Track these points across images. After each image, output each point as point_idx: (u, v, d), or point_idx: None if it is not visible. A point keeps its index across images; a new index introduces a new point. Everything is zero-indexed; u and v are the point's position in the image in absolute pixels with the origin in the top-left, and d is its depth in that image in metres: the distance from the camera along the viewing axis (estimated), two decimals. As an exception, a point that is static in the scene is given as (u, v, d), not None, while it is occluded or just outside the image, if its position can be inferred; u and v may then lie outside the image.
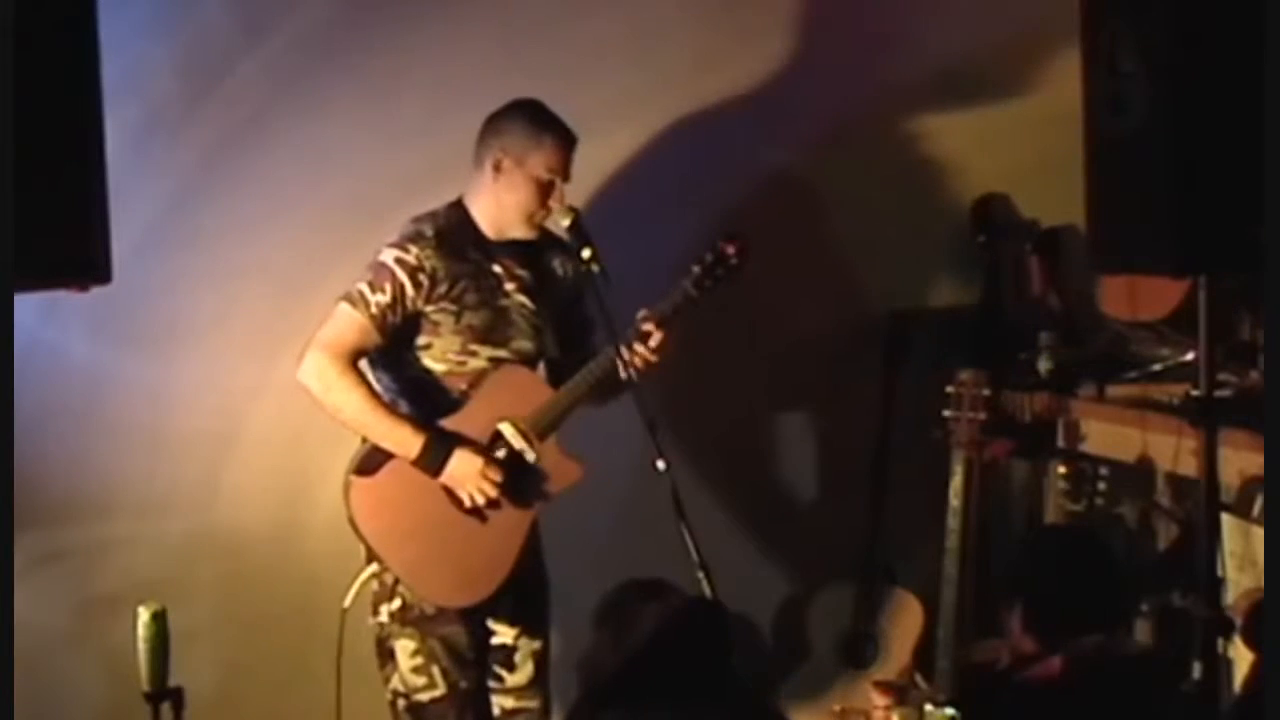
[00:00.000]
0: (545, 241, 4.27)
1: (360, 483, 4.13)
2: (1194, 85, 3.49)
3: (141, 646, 3.38)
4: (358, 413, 4.10)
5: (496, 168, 4.16)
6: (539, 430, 4.16)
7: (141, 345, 4.62)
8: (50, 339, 4.47)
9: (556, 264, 4.31)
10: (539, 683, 4.36)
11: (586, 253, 4.12)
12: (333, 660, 4.14)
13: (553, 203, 4.17)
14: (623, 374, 4.07)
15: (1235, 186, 3.46)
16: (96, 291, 3.29)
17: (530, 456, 4.16)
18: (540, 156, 4.14)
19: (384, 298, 4.09)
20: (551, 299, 4.29)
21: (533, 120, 4.17)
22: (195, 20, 4.57)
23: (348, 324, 4.10)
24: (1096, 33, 3.73)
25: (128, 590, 4.23)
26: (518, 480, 4.16)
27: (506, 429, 4.16)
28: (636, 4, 4.88)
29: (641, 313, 4.16)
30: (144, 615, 3.39)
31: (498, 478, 4.11)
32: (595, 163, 4.76)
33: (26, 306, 3.74)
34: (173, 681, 3.40)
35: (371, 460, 4.14)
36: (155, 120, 4.51)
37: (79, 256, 3.22)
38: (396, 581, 4.17)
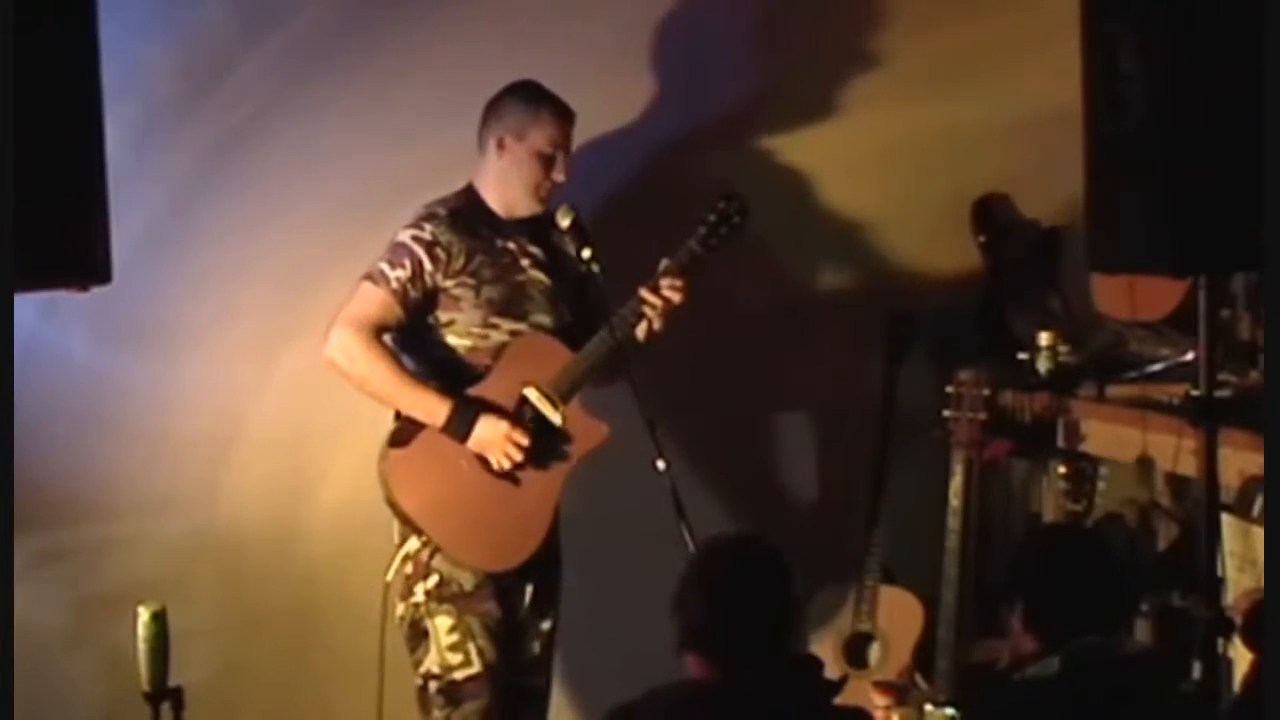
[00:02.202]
0: (553, 220, 4.33)
1: (395, 454, 4.19)
2: (1194, 86, 3.50)
3: (141, 646, 3.38)
4: (383, 383, 4.18)
5: (500, 146, 4.29)
6: (562, 393, 4.23)
7: (142, 345, 4.62)
8: (50, 339, 4.47)
9: (567, 241, 4.35)
10: (544, 661, 4.41)
11: (586, 253, 4.23)
12: (333, 659, 4.15)
13: (556, 174, 4.28)
14: (640, 333, 4.23)
15: (1235, 186, 3.46)
16: (96, 291, 3.28)
17: (556, 419, 4.22)
18: (539, 131, 4.27)
19: (404, 273, 4.20)
20: (564, 275, 4.36)
21: (529, 98, 4.29)
22: (195, 20, 4.57)
23: (370, 299, 4.20)
24: (1096, 33, 3.73)
25: (128, 590, 4.23)
26: (546, 444, 4.22)
27: (531, 393, 4.22)
28: (635, 5, 4.88)
29: (663, 264, 4.26)
30: (144, 615, 3.39)
31: (524, 440, 4.17)
32: (594, 160, 4.76)
33: (26, 306, 3.74)
34: (173, 681, 3.40)
35: (403, 432, 4.21)
36: (155, 120, 4.51)
37: (79, 256, 3.22)
38: (431, 558, 4.20)
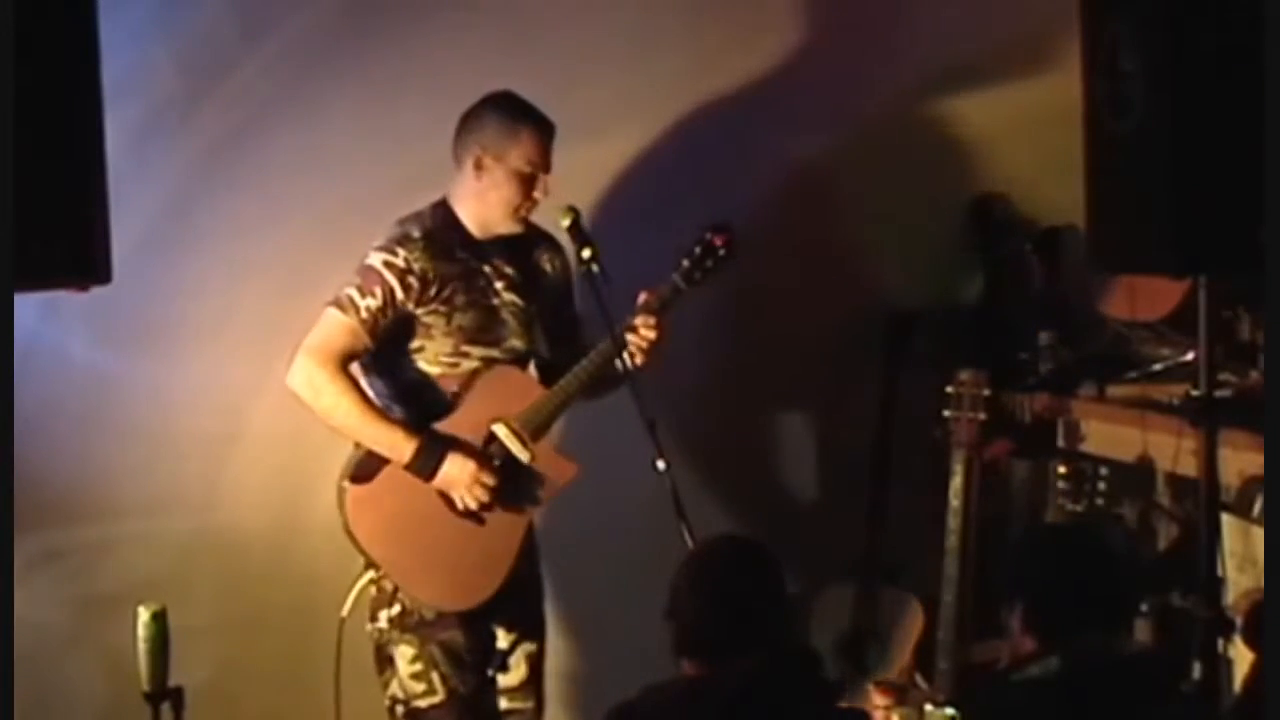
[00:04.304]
0: (532, 237, 4.26)
1: (355, 490, 4.12)
2: (1194, 85, 3.50)
3: (141, 646, 3.38)
4: (348, 417, 4.08)
5: (477, 166, 4.14)
6: (532, 430, 4.15)
7: (142, 345, 4.62)
8: (50, 339, 4.47)
9: (545, 260, 4.30)
10: (532, 684, 4.36)
11: (586, 253, 4.12)
12: (333, 658, 4.14)
13: (537, 194, 4.16)
14: (620, 367, 4.08)
15: (1235, 186, 3.46)
16: (96, 291, 3.29)
17: (524, 457, 4.15)
18: (519, 150, 4.13)
19: (374, 301, 4.08)
20: (541, 295, 4.28)
21: (507, 113, 4.15)
22: (195, 20, 4.57)
23: (337, 328, 4.08)
24: (1096, 33, 3.73)
25: (128, 590, 4.23)
26: (513, 481, 4.15)
27: (500, 429, 4.14)
28: (636, 5, 4.88)
29: (642, 297, 4.17)
30: (144, 615, 3.39)
31: (491, 482, 4.10)
32: (596, 162, 4.77)
33: (26, 306, 3.74)
34: (173, 681, 3.40)
35: (365, 466, 4.12)
36: (155, 120, 4.51)
37: (79, 256, 3.22)
38: (396, 587, 4.16)
